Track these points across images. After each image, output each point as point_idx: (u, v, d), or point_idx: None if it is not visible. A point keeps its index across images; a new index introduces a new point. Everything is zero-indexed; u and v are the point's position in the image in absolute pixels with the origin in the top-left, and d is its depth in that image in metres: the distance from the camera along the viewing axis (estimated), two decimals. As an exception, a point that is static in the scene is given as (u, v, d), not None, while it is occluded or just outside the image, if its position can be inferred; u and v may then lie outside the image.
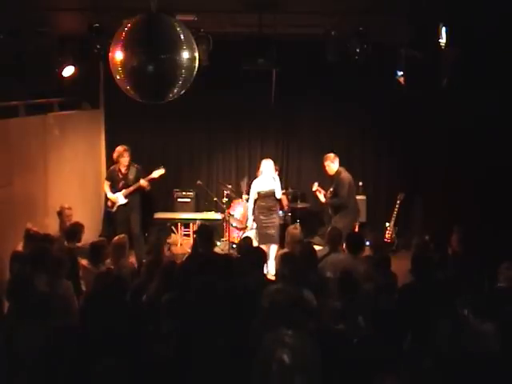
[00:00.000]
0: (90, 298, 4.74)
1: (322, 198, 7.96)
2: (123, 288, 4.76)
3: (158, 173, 8.26)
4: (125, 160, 8.03)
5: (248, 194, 8.50)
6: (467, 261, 5.60)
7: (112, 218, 8.26)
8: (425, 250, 5.85)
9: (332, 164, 7.91)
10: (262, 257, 5.52)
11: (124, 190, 8.04)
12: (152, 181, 8.21)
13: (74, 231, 6.43)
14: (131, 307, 4.56)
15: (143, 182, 8.05)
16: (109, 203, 8.18)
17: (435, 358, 3.60)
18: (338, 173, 7.86)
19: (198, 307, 4.13)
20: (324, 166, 8.04)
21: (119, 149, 8.12)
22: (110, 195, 8.10)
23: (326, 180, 9.24)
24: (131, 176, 8.09)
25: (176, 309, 4.19)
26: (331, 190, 7.88)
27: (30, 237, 6.04)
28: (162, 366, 3.72)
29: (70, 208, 7.18)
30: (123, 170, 8.08)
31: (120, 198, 8.05)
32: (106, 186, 8.20)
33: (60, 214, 7.15)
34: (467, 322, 4.15)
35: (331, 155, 7.97)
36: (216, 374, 3.64)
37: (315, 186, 8.03)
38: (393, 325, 3.98)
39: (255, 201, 7.96)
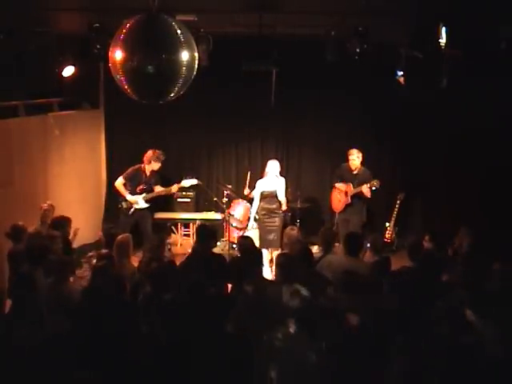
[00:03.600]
0: (85, 296, 4.68)
1: (368, 194, 8.01)
2: (120, 288, 4.73)
3: (189, 182, 8.23)
4: (155, 166, 7.94)
5: (250, 188, 8.57)
6: (470, 260, 5.60)
7: (122, 219, 7.97)
8: (418, 247, 5.84)
9: (359, 159, 8.12)
10: (261, 257, 5.53)
11: (145, 194, 7.93)
12: (181, 188, 8.23)
13: (60, 223, 6.40)
14: (124, 309, 4.52)
15: (175, 188, 8.08)
16: (124, 204, 7.92)
17: (433, 357, 3.61)
18: (363, 168, 8.12)
19: (191, 309, 4.13)
20: (348, 160, 8.20)
21: (155, 153, 7.94)
22: (130, 197, 7.87)
23: (326, 179, 9.26)
24: (154, 181, 8.04)
25: (171, 311, 4.18)
26: (366, 188, 7.95)
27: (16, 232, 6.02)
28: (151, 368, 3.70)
29: (51, 205, 6.97)
30: (148, 173, 7.97)
31: (140, 202, 7.94)
32: (121, 184, 7.89)
33: (47, 211, 6.85)
34: (467, 322, 4.15)
35: (355, 150, 8.15)
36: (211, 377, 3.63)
37: (365, 188, 7.99)
38: (393, 324, 3.98)
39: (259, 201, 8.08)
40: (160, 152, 8.02)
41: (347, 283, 4.64)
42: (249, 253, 5.62)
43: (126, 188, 7.94)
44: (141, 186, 7.96)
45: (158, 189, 8.06)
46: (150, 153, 8.00)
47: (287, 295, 4.22)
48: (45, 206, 6.88)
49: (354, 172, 8.16)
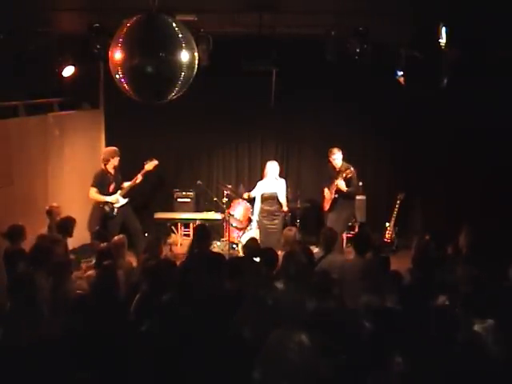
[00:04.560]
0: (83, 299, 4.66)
1: (343, 187, 7.95)
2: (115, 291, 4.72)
3: (151, 164, 8.16)
4: (116, 161, 7.87)
5: (247, 192, 8.59)
6: (472, 260, 5.60)
7: (110, 223, 7.86)
8: (426, 250, 5.83)
9: (340, 157, 8.10)
10: (275, 258, 5.50)
11: (120, 191, 7.89)
12: (146, 173, 8.12)
13: (65, 225, 6.40)
14: (120, 311, 4.51)
15: (139, 177, 8.00)
16: (106, 208, 7.85)
17: (433, 359, 3.61)
18: (346, 165, 8.07)
19: (195, 309, 4.12)
20: (330, 161, 8.17)
21: (112, 149, 7.94)
22: (110, 198, 7.82)
23: (326, 179, 9.21)
24: (120, 176, 7.98)
25: (172, 310, 4.17)
26: (340, 181, 7.96)
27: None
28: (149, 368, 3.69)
29: (58, 206, 7.03)
30: (112, 171, 7.90)
31: (120, 199, 7.91)
32: (94, 193, 7.80)
33: (50, 212, 6.96)
34: (467, 323, 4.15)
35: (335, 149, 8.13)
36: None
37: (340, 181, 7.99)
38: (392, 324, 3.97)
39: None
40: (115, 148, 7.97)
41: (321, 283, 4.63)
42: (262, 255, 5.60)
43: (101, 194, 7.86)
44: (112, 186, 7.89)
45: (126, 184, 8.00)
46: (109, 149, 7.99)
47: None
48: (54, 206, 6.92)
49: (337, 169, 8.15)
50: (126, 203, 8.01)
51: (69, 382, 3.42)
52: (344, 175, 7.95)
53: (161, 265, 5.10)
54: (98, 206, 7.90)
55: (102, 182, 7.85)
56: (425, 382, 3.51)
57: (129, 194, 8.03)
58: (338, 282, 5.01)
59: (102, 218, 7.95)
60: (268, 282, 5.03)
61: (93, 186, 7.83)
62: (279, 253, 7.73)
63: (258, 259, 5.77)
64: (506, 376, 3.62)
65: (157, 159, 8.26)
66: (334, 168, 8.16)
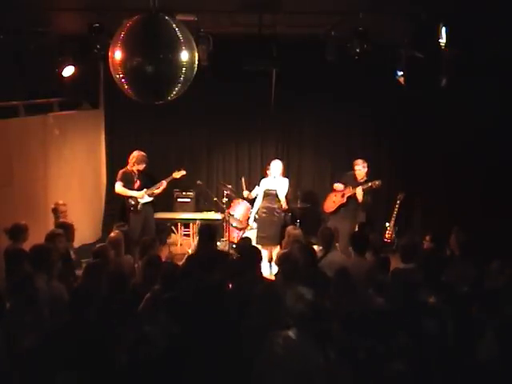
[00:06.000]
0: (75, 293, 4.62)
1: (360, 196, 7.89)
2: (115, 287, 4.73)
3: (179, 174, 8.35)
4: (141, 166, 7.99)
5: (248, 190, 8.60)
6: (465, 261, 5.61)
7: (133, 217, 7.97)
8: (413, 247, 5.81)
9: (362, 169, 8.03)
10: (257, 255, 5.51)
11: (146, 190, 8.00)
12: (172, 180, 8.34)
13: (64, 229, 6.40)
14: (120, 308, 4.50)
15: (165, 184, 8.18)
16: (131, 201, 7.96)
17: (427, 358, 3.61)
18: (367, 179, 8.01)
19: (194, 309, 4.12)
20: (354, 170, 8.08)
21: (141, 155, 8.01)
22: (136, 193, 7.93)
23: (326, 179, 9.24)
24: (145, 177, 8.11)
25: (174, 309, 4.17)
26: (359, 189, 7.88)
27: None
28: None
29: (64, 204, 7.08)
30: (136, 172, 8.01)
31: (145, 196, 8.04)
32: (120, 186, 7.94)
33: (55, 210, 7.01)
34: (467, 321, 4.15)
35: (360, 160, 8.08)
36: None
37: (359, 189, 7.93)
38: (389, 324, 3.98)
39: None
40: (144, 154, 8.06)
41: (340, 283, 4.63)
42: (247, 253, 5.61)
43: (127, 189, 7.98)
44: (137, 184, 8.01)
45: (156, 190, 8.12)
46: (135, 154, 8.03)
47: (292, 298, 4.20)
48: (59, 204, 6.97)
49: (359, 180, 8.06)
50: (151, 201, 8.15)
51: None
52: (370, 184, 7.87)
53: (163, 265, 5.12)
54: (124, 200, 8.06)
55: (127, 179, 7.98)
56: (424, 381, 3.52)
57: (154, 196, 8.17)
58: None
59: (127, 210, 8.04)
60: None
61: (118, 180, 8.00)
62: (277, 248, 7.79)
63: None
64: (504, 374, 3.63)
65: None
66: (356, 179, 8.07)
